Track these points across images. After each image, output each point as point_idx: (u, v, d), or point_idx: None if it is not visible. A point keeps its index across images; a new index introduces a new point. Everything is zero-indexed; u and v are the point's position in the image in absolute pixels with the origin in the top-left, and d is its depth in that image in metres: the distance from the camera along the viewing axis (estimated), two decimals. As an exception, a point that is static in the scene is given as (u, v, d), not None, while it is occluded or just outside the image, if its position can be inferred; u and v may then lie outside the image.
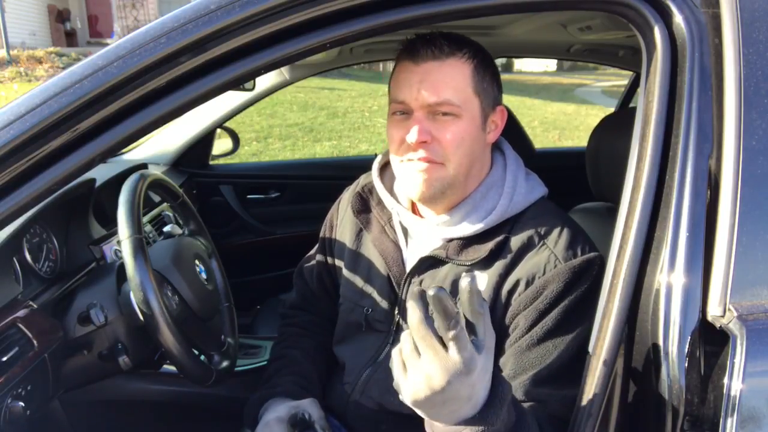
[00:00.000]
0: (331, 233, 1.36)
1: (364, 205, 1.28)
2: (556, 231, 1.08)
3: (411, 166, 1.08)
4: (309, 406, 1.15)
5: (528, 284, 1.06)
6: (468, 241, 1.11)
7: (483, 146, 1.13)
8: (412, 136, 1.04)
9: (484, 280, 1.09)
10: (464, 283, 0.74)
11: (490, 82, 1.11)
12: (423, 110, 1.05)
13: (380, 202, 1.25)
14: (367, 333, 1.23)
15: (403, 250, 1.21)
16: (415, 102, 1.05)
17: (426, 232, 1.16)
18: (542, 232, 1.09)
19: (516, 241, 1.09)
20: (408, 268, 1.18)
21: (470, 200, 1.13)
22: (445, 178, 1.08)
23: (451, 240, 1.13)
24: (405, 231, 1.22)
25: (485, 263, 1.10)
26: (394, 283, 1.19)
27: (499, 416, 0.79)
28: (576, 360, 0.98)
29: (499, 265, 1.08)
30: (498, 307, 1.08)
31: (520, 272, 1.07)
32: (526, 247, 1.08)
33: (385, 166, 1.27)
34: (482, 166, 1.15)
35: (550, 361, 1.02)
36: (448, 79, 1.05)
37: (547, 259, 1.06)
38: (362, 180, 1.34)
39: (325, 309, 1.40)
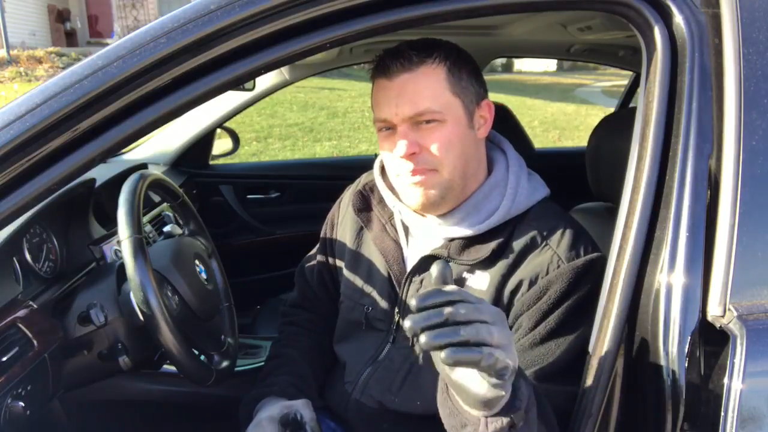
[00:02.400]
0: (331, 232, 1.37)
1: (365, 204, 1.28)
2: (558, 231, 1.08)
3: (406, 180, 1.09)
4: (302, 408, 1.15)
5: (531, 284, 1.06)
6: (470, 241, 1.11)
7: (475, 143, 1.12)
8: (400, 150, 1.05)
9: (485, 280, 1.09)
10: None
11: (468, 80, 1.10)
12: (406, 123, 1.06)
13: (381, 201, 1.25)
14: (367, 332, 1.23)
15: (403, 249, 1.21)
16: (396, 117, 1.06)
17: (427, 231, 1.17)
18: (545, 233, 1.09)
19: (518, 242, 1.09)
20: (409, 267, 1.18)
21: (472, 200, 1.13)
22: (441, 183, 1.08)
23: (452, 239, 1.13)
24: (406, 229, 1.22)
25: (487, 263, 1.10)
26: (394, 282, 1.19)
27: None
28: (578, 358, 0.98)
29: (501, 266, 1.08)
30: (500, 306, 1.08)
31: (523, 273, 1.07)
32: (529, 248, 1.08)
33: None
34: (479, 163, 1.15)
35: (552, 360, 1.02)
36: (423, 88, 1.05)
37: (550, 259, 1.06)
38: (363, 179, 1.34)
39: (326, 308, 1.40)
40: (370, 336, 1.23)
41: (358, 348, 1.25)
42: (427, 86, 1.05)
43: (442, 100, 1.06)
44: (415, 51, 1.06)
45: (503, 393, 0.75)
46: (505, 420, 0.77)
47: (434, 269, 0.75)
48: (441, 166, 1.07)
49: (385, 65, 1.07)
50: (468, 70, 1.10)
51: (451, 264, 1.12)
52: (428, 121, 1.05)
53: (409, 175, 1.08)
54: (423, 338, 0.69)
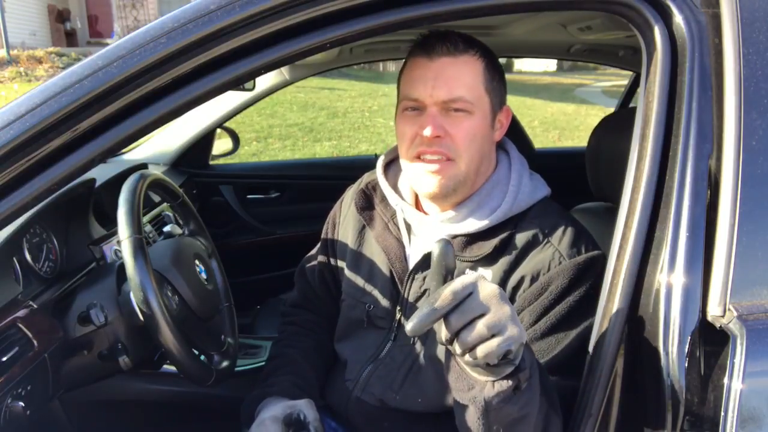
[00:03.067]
0: (333, 231, 1.37)
1: (367, 202, 1.29)
2: (560, 229, 1.09)
3: (424, 166, 1.09)
4: (305, 407, 1.15)
5: (533, 281, 1.07)
6: (472, 238, 1.12)
7: (491, 144, 1.14)
8: (427, 130, 1.05)
9: (487, 276, 1.10)
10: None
11: (499, 82, 1.13)
12: (437, 106, 1.07)
13: (384, 199, 1.26)
14: (368, 330, 1.23)
15: (406, 247, 1.21)
16: (430, 98, 1.06)
17: (430, 229, 1.17)
18: (546, 230, 1.09)
19: (520, 239, 1.10)
20: (411, 265, 1.18)
21: (475, 198, 1.13)
22: (458, 176, 1.09)
23: (455, 236, 1.13)
24: (408, 228, 1.22)
25: (489, 260, 1.10)
26: (396, 280, 1.20)
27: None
28: (578, 354, 0.99)
29: (503, 262, 1.09)
30: None
31: (525, 269, 1.08)
32: (531, 245, 1.09)
33: (389, 164, 1.28)
34: (489, 164, 1.16)
35: (553, 354, 1.03)
36: (462, 76, 1.06)
37: (551, 256, 1.07)
38: (366, 178, 1.34)
39: (326, 308, 1.40)
40: (371, 334, 1.23)
41: (359, 346, 1.25)
42: (466, 75, 1.07)
43: (476, 92, 1.07)
44: (461, 39, 1.09)
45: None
46: (510, 381, 0.78)
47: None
48: (460, 156, 1.07)
49: (430, 45, 1.08)
50: (499, 72, 1.13)
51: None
52: (457, 110, 1.06)
53: (428, 161, 1.08)
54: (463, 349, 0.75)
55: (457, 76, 1.06)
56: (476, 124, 1.08)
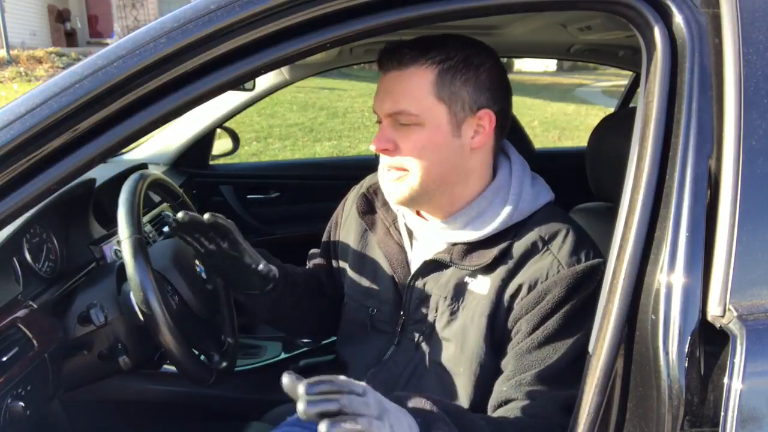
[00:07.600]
0: (336, 231, 1.37)
1: (369, 207, 1.28)
2: (560, 236, 1.08)
3: (386, 175, 1.12)
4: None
5: (530, 289, 1.06)
6: (472, 246, 1.11)
7: (460, 152, 1.08)
8: (375, 143, 1.09)
9: (486, 284, 1.09)
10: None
11: (463, 87, 1.05)
12: (388, 119, 1.08)
13: (385, 204, 1.25)
14: (372, 333, 1.23)
15: (408, 252, 1.21)
16: (381, 111, 1.09)
17: (430, 235, 1.17)
18: (546, 238, 1.08)
19: (520, 246, 1.09)
20: (413, 270, 1.18)
21: (475, 205, 1.12)
22: (412, 186, 1.08)
23: (455, 244, 1.13)
24: (410, 233, 1.22)
25: (488, 268, 1.09)
26: (398, 285, 1.19)
27: None
28: (575, 363, 0.99)
29: (502, 270, 1.08)
30: (500, 310, 1.08)
31: (523, 277, 1.07)
32: (530, 253, 1.08)
33: None
34: (470, 172, 1.11)
35: (549, 364, 1.03)
36: (407, 88, 1.05)
37: (550, 264, 1.06)
38: (367, 181, 1.34)
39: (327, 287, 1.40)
40: (374, 338, 1.23)
41: (362, 349, 1.25)
42: (411, 87, 1.05)
43: (423, 103, 1.05)
44: (409, 49, 1.06)
45: None
46: None
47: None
48: (411, 169, 1.07)
49: (380, 59, 1.10)
50: (467, 76, 1.06)
51: (453, 269, 1.12)
52: (405, 123, 1.06)
53: (385, 170, 1.11)
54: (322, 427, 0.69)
55: (403, 90, 1.05)
56: (426, 136, 1.05)
